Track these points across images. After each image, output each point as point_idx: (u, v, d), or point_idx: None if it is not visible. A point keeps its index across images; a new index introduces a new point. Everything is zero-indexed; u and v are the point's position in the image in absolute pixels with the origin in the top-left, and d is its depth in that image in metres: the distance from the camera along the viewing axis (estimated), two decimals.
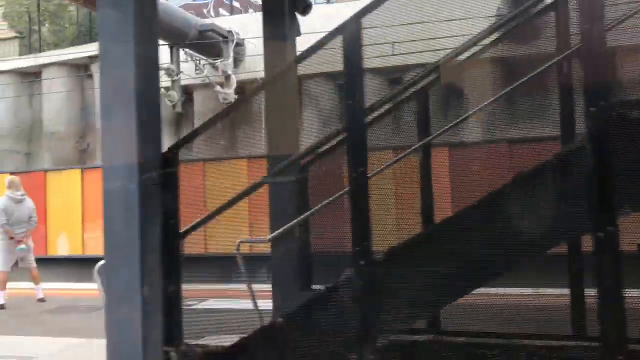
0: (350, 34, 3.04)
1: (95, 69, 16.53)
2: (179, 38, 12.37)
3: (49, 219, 14.57)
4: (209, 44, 12.90)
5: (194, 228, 3.64)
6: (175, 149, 3.51)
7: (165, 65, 13.36)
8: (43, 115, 16.95)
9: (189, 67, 13.96)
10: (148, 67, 3.34)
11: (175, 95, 13.34)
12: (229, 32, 13.14)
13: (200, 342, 3.71)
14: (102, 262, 3.92)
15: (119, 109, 3.27)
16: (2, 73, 17.26)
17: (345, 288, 3.11)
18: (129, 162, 3.22)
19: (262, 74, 14.24)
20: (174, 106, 13.57)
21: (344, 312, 3.11)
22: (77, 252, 14.33)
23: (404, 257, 2.94)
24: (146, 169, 3.23)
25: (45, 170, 15.06)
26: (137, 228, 3.21)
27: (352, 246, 3.06)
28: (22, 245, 7.91)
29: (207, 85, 15.25)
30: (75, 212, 14.35)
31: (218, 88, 12.94)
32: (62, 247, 14.63)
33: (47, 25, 18.76)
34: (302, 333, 3.21)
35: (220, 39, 13.09)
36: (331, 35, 3.13)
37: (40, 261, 15.12)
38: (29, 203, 8.11)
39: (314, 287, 5.65)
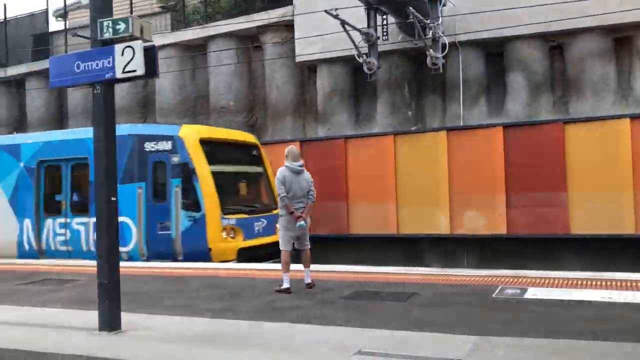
0: None
1: (264, 39, 15.75)
2: None
3: None
4: (420, 3, 11.72)
5: None
6: None
7: (364, 30, 12.31)
8: (210, 89, 16.37)
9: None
10: None
11: (375, 62, 12.25)
12: None
13: None
14: None
15: None
16: (165, 47, 16.78)
17: None
18: None
19: (463, 37, 12.96)
20: (370, 75, 12.49)
21: None
22: None
23: None
24: None
25: None
26: None
27: None
28: (302, 222, 6.97)
29: (393, 52, 14.07)
30: None
31: (431, 52, 11.72)
32: None
33: None
34: None
35: None
36: None
37: None
38: (307, 175, 7.16)
39: None
